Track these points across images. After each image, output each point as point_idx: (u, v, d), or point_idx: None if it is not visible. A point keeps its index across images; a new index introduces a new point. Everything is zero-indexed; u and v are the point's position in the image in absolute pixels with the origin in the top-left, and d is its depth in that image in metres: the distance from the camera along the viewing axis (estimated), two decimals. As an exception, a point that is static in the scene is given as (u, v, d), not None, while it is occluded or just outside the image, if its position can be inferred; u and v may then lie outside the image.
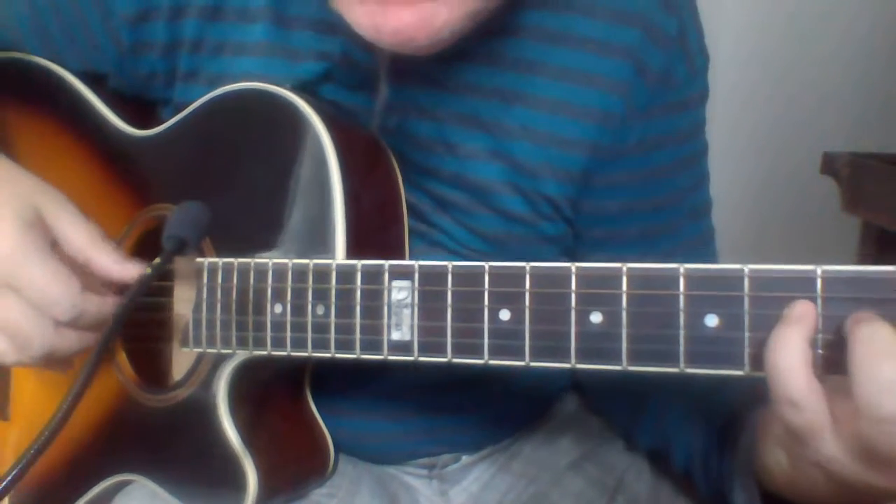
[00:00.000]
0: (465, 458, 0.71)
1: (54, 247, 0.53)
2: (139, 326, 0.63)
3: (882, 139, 1.41)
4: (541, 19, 0.57)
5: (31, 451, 0.42)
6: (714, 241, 0.67)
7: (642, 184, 0.61)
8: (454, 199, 0.61)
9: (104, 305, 0.53)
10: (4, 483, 0.40)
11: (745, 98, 1.49)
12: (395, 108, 0.59)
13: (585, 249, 0.64)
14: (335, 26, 0.58)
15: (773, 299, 0.39)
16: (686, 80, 0.60)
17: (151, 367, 0.64)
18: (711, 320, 0.40)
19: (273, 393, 0.61)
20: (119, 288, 0.55)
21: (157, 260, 0.51)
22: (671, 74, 0.58)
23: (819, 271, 0.39)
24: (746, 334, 0.40)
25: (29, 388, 0.69)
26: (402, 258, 0.59)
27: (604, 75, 0.57)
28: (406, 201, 0.60)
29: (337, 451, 0.65)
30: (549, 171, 0.59)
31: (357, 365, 0.50)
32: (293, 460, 0.62)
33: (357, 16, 0.49)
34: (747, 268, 0.40)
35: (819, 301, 0.39)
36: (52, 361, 0.54)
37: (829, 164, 1.23)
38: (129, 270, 0.54)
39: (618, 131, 0.58)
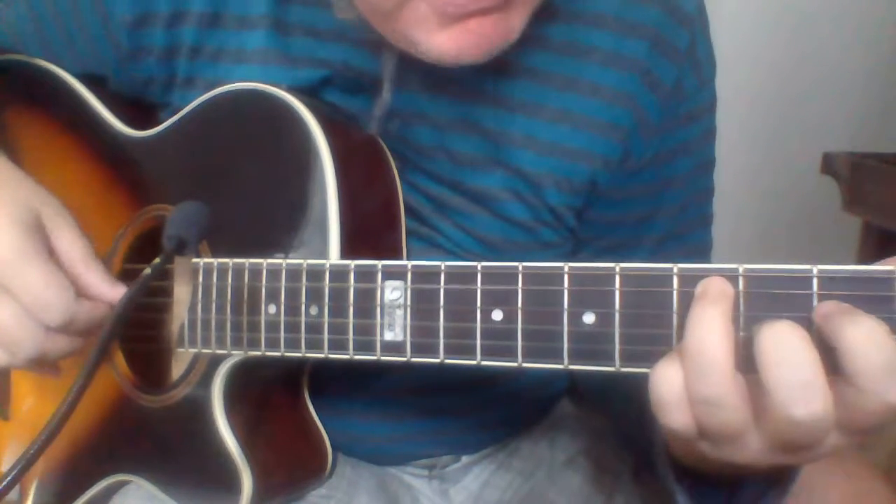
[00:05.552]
0: (465, 458, 0.71)
1: (51, 253, 0.53)
2: (137, 326, 0.63)
3: (882, 139, 1.42)
4: (548, 29, 0.57)
5: (32, 451, 0.42)
6: (710, 255, 0.68)
7: (659, 194, 0.62)
8: (454, 203, 0.61)
9: (96, 312, 0.54)
10: (4, 483, 0.40)
11: (745, 98, 1.49)
12: (396, 113, 0.59)
13: (593, 254, 0.64)
14: (336, 34, 0.57)
15: (769, 298, 0.39)
16: (696, 91, 0.60)
17: (149, 367, 0.64)
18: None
19: (269, 394, 0.61)
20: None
21: (158, 259, 0.51)
22: (681, 87, 0.58)
23: (815, 270, 0.39)
24: (741, 334, 0.40)
25: (29, 388, 0.69)
26: (400, 259, 0.59)
27: (610, 86, 0.57)
28: (405, 202, 0.60)
29: (335, 452, 0.65)
30: (551, 181, 0.59)
31: (358, 367, 0.50)
32: (290, 462, 0.62)
33: (439, 43, 0.48)
34: (742, 267, 0.40)
35: (815, 301, 0.38)
36: (40, 365, 0.55)
37: (829, 164, 1.23)
38: (118, 292, 0.55)
39: (631, 145, 0.58)
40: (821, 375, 0.35)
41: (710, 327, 0.37)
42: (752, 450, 0.38)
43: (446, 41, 0.48)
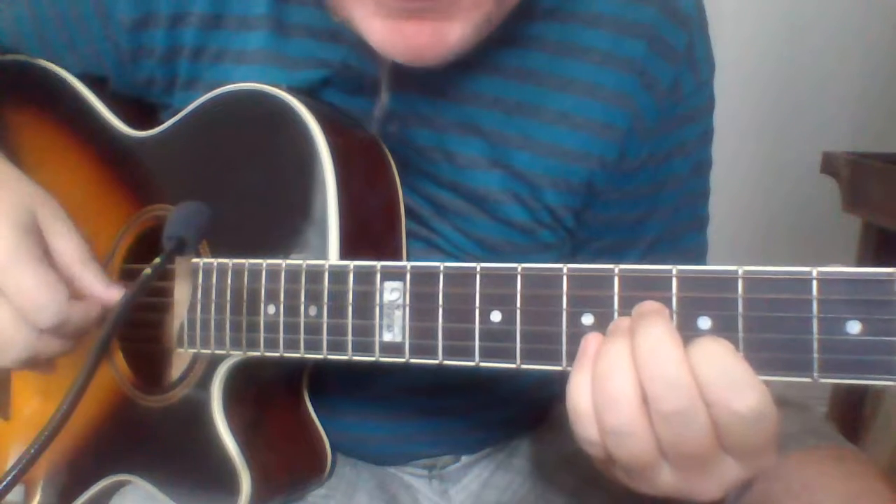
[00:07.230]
0: (465, 459, 0.71)
1: (47, 254, 0.54)
2: (137, 326, 0.63)
3: (882, 139, 1.42)
4: (545, 30, 0.57)
5: (32, 451, 0.42)
6: (706, 258, 0.67)
7: (655, 195, 0.62)
8: (453, 205, 0.61)
9: (89, 314, 0.54)
10: (5, 483, 0.40)
11: (745, 98, 1.50)
12: (395, 115, 0.59)
13: (590, 255, 0.64)
14: (335, 34, 0.57)
15: (768, 301, 0.39)
16: (693, 92, 0.60)
17: (149, 367, 0.64)
18: (704, 323, 0.40)
19: (269, 394, 0.61)
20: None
21: (158, 259, 0.51)
22: (679, 88, 0.58)
23: (815, 273, 0.38)
24: (741, 335, 0.40)
25: (29, 388, 0.69)
26: (400, 260, 0.59)
27: (607, 87, 0.57)
28: (405, 204, 0.60)
29: (335, 453, 0.65)
30: (548, 182, 0.59)
31: (357, 367, 0.50)
32: (289, 462, 0.62)
33: (373, 30, 0.48)
34: (741, 269, 0.40)
35: (815, 304, 0.38)
36: (33, 365, 0.55)
37: (829, 164, 1.23)
38: (112, 293, 0.55)
39: (626, 146, 0.58)
40: (685, 376, 0.37)
41: (616, 361, 0.38)
42: (663, 482, 0.40)
43: (378, 32, 0.48)
